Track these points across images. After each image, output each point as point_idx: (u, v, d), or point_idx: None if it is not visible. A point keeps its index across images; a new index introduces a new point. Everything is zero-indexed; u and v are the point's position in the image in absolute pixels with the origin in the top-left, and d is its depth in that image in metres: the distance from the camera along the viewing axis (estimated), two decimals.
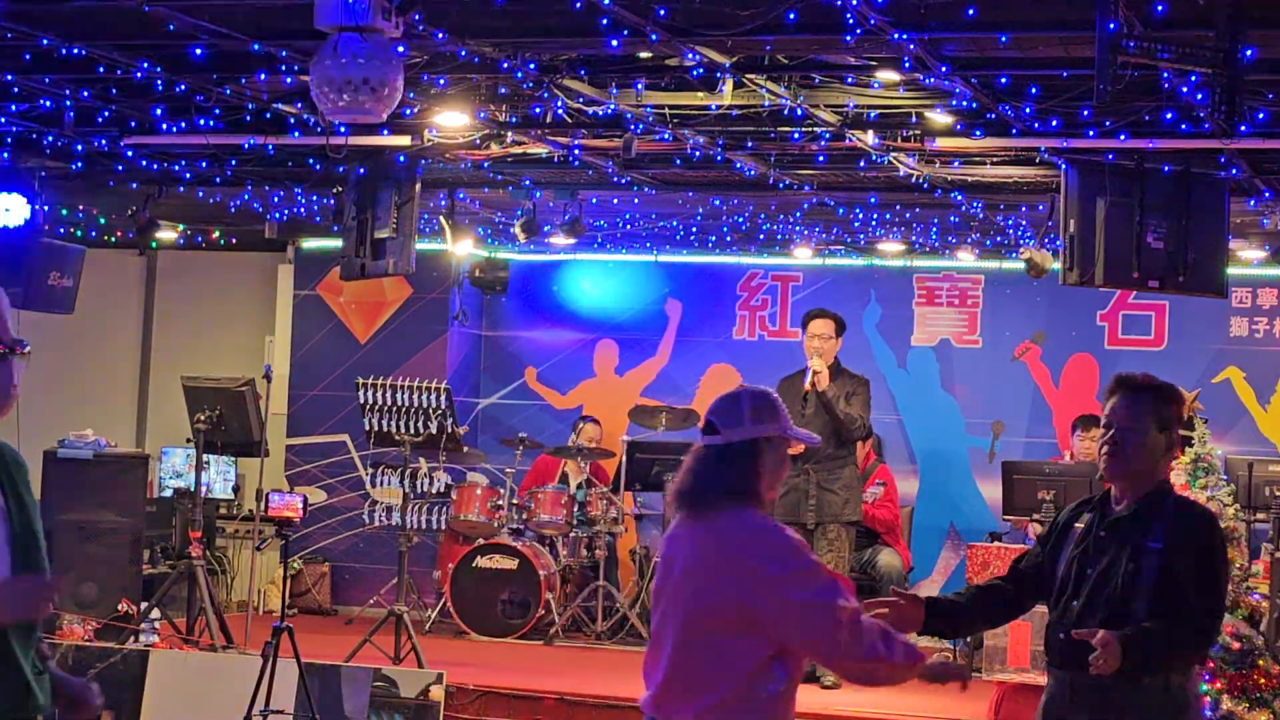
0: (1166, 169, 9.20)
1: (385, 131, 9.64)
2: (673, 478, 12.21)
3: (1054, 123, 8.76)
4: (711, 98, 8.68)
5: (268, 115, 9.56)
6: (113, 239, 13.82)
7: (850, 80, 8.57)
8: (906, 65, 7.96)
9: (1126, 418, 4.87)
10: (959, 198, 10.97)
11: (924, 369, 13.66)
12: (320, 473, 14.06)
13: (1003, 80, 8.24)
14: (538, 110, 9.34)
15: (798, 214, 12.26)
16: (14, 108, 9.77)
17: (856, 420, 9.87)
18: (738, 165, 10.28)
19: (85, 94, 9.32)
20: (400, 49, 7.02)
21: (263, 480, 11.27)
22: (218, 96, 9.22)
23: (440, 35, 7.57)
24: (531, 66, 8.26)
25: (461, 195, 12.03)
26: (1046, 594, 4.94)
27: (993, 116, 8.80)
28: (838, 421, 9.82)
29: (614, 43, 7.54)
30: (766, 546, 4.26)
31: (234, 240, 14.29)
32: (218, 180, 11.54)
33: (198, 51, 8.08)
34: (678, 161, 10.37)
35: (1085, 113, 8.59)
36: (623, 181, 11.09)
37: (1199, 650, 4.86)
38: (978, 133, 9.18)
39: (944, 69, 7.83)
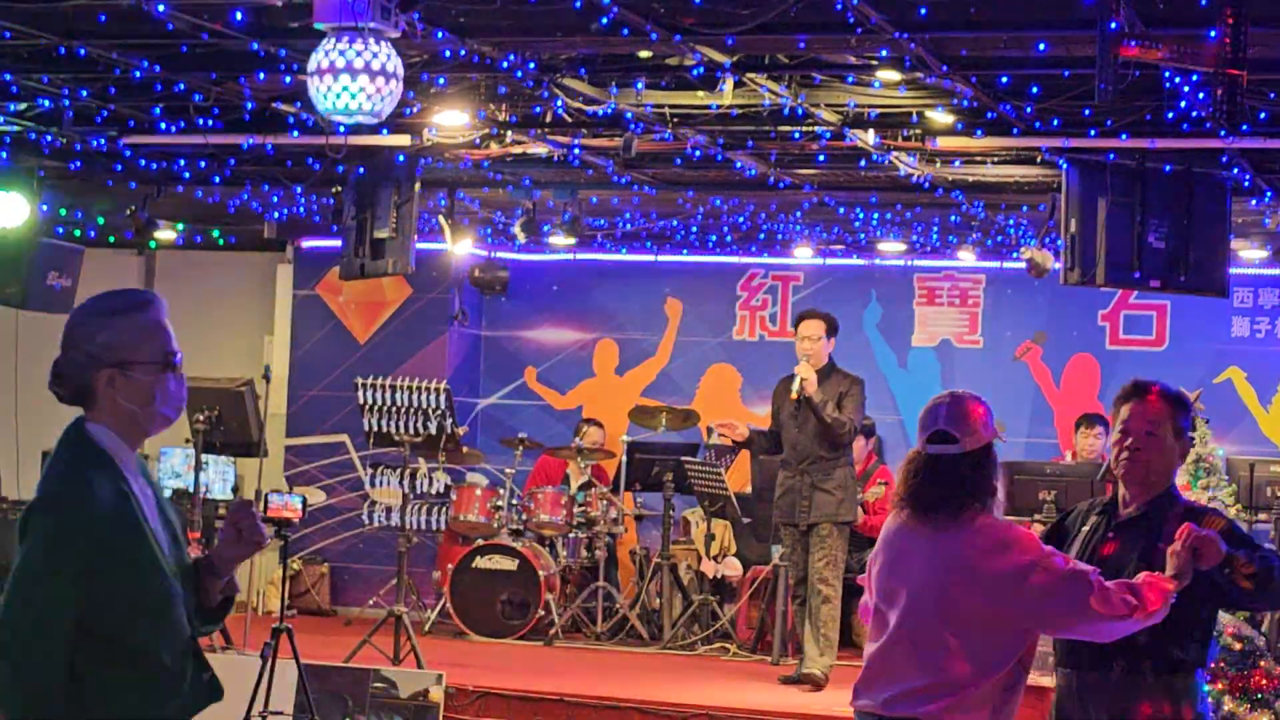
0: (1168, 168, 9.19)
1: (385, 131, 9.63)
2: (672, 478, 11.98)
3: (1055, 122, 8.75)
4: (712, 97, 8.68)
5: (267, 115, 9.55)
6: (111, 239, 13.81)
7: (851, 79, 8.57)
8: (907, 64, 7.95)
9: (1146, 423, 4.87)
10: (960, 197, 10.96)
11: (925, 369, 13.65)
12: (319, 473, 14.05)
13: (1003, 80, 8.23)
14: (538, 110, 9.33)
15: (798, 214, 12.26)
16: (13, 107, 9.76)
17: (845, 424, 9.85)
18: (738, 165, 10.27)
19: (84, 93, 9.31)
20: (400, 49, 7.00)
21: (261, 480, 11.24)
22: (217, 96, 9.21)
23: (440, 35, 7.56)
24: (531, 66, 8.25)
25: (461, 195, 12.02)
26: None
27: (993, 116, 8.79)
28: (825, 427, 9.81)
29: (614, 42, 7.53)
30: (1008, 547, 4.46)
31: (233, 240, 14.27)
32: (217, 180, 11.52)
33: (197, 51, 8.07)
34: (678, 161, 10.36)
35: (1086, 112, 8.58)
36: (623, 181, 11.08)
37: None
38: (978, 132, 9.17)
39: (945, 68, 7.82)
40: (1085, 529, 4.94)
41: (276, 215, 12.61)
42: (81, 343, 3.54)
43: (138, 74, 8.63)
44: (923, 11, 7.07)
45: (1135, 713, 4.68)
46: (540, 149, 10.11)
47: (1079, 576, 4.41)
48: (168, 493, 13.24)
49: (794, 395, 9.83)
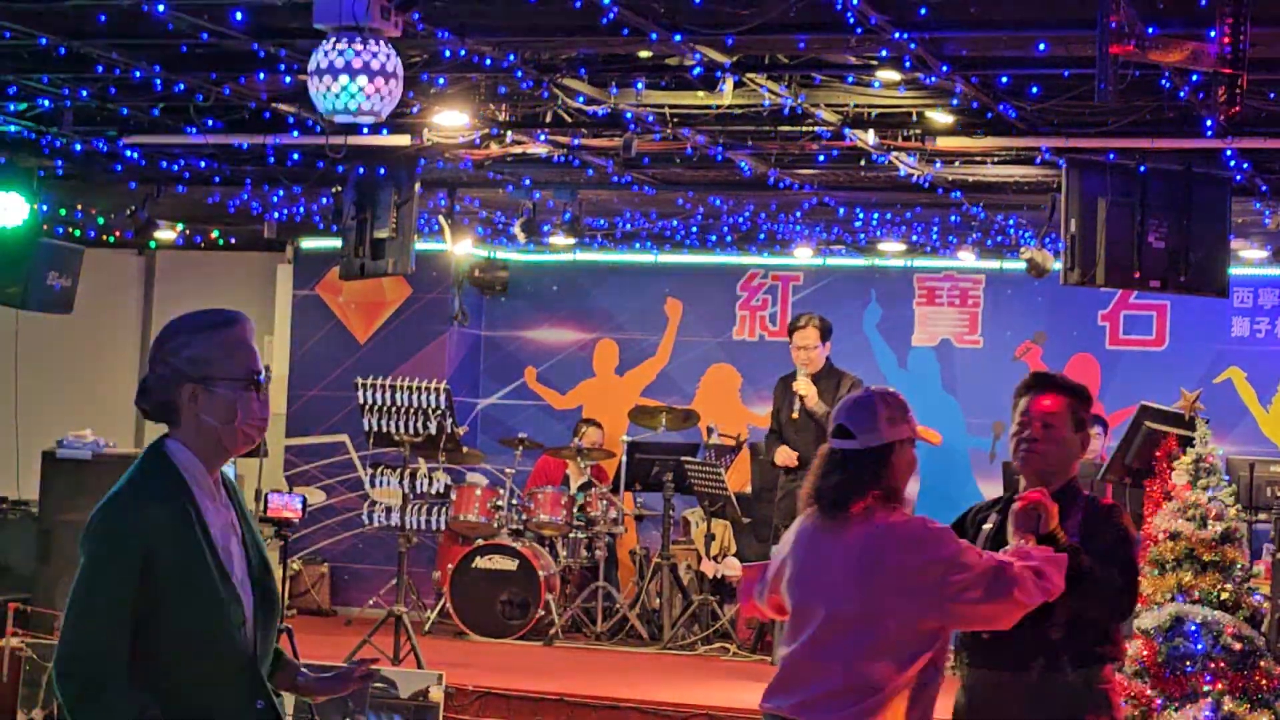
0: (1168, 168, 9.19)
1: (385, 131, 9.63)
2: (672, 478, 12.02)
3: (1055, 122, 8.74)
4: (712, 97, 8.67)
5: (267, 115, 9.55)
6: (111, 239, 13.81)
7: (851, 80, 8.57)
8: (907, 64, 7.95)
9: (1043, 415, 4.88)
10: (960, 197, 10.96)
11: (925, 369, 13.65)
12: (319, 473, 14.05)
13: (1004, 80, 8.23)
14: (538, 110, 9.33)
15: (798, 214, 12.25)
16: (13, 107, 9.75)
17: None
18: (738, 165, 10.27)
19: (84, 93, 9.31)
20: (400, 49, 7.00)
21: (261, 480, 11.24)
22: (217, 96, 9.20)
23: (440, 35, 7.56)
24: (532, 66, 8.25)
25: (461, 195, 12.02)
26: None
27: (993, 116, 8.79)
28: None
29: (614, 42, 7.53)
30: (920, 542, 4.38)
31: (233, 240, 14.27)
32: (217, 180, 11.52)
33: (197, 51, 8.07)
34: (678, 161, 10.36)
35: (1086, 112, 8.58)
36: (623, 181, 11.07)
37: (1108, 611, 4.79)
38: (978, 132, 9.17)
39: (944, 68, 7.82)
40: (987, 527, 4.91)
41: (276, 215, 12.61)
42: (167, 357, 3.58)
43: (138, 74, 8.62)
44: (923, 11, 7.07)
45: (1056, 713, 4.66)
46: (540, 149, 10.11)
47: (1000, 570, 4.34)
48: None
49: (794, 415, 9.84)
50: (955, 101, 8.63)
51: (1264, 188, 10.06)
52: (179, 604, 3.43)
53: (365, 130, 9.27)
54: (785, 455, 10.08)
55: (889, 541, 4.39)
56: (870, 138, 9.40)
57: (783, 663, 4.55)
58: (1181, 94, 7.89)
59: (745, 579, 4.97)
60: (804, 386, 9.79)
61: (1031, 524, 4.55)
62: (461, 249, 13.28)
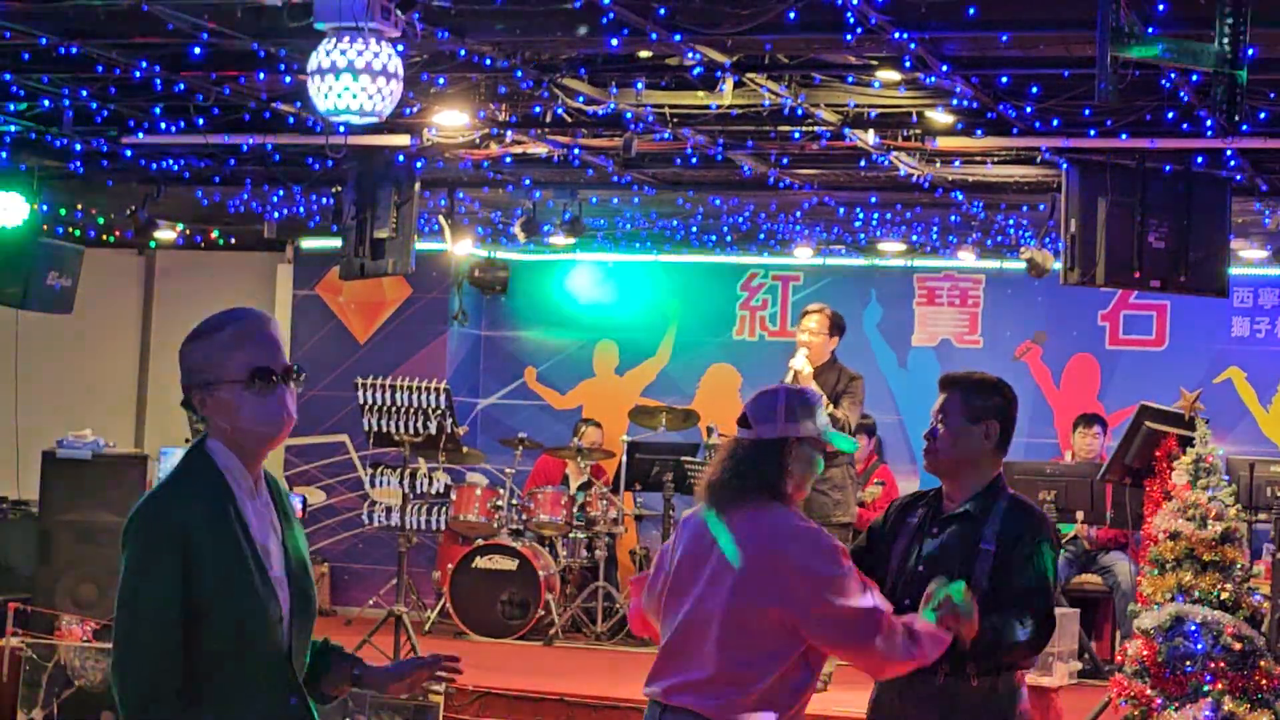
0: (1168, 168, 9.19)
1: (385, 131, 9.62)
2: (672, 478, 12.01)
3: (1055, 122, 8.75)
4: (711, 97, 8.67)
5: (267, 115, 9.55)
6: (111, 239, 13.81)
7: (850, 80, 8.57)
8: (907, 64, 7.95)
9: (938, 412, 4.90)
10: (960, 197, 10.96)
11: (925, 369, 13.63)
12: (319, 473, 14.05)
13: (1004, 80, 8.23)
14: (538, 110, 9.33)
15: (798, 214, 12.26)
16: (13, 107, 9.76)
17: (840, 423, 9.71)
18: (739, 165, 10.27)
19: (84, 93, 9.31)
20: (400, 48, 7.00)
21: None
22: (217, 96, 9.21)
23: (440, 35, 7.56)
24: (532, 66, 8.25)
25: (461, 195, 12.02)
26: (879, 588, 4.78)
27: (993, 116, 8.79)
28: None
29: (614, 42, 7.53)
30: (806, 550, 4.31)
31: (233, 240, 14.27)
32: (217, 180, 11.53)
33: (196, 50, 8.07)
34: (678, 161, 10.36)
35: (1086, 112, 8.58)
36: (623, 181, 11.08)
37: (1034, 650, 4.80)
38: (978, 132, 9.17)
39: (945, 68, 7.82)
40: (914, 521, 4.89)
41: (276, 215, 12.61)
42: (181, 366, 3.65)
43: (138, 74, 8.62)
44: (923, 11, 7.07)
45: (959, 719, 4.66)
46: (540, 149, 10.11)
47: (870, 614, 4.25)
48: None
49: None
50: (955, 101, 8.63)
51: (1264, 188, 10.06)
52: (218, 599, 3.46)
53: (365, 130, 9.27)
54: None
55: (771, 540, 4.33)
56: (870, 138, 9.40)
57: (661, 647, 4.52)
58: (1182, 94, 7.89)
59: (634, 590, 4.81)
60: (800, 363, 9.42)
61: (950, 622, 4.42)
62: (461, 249, 13.28)
